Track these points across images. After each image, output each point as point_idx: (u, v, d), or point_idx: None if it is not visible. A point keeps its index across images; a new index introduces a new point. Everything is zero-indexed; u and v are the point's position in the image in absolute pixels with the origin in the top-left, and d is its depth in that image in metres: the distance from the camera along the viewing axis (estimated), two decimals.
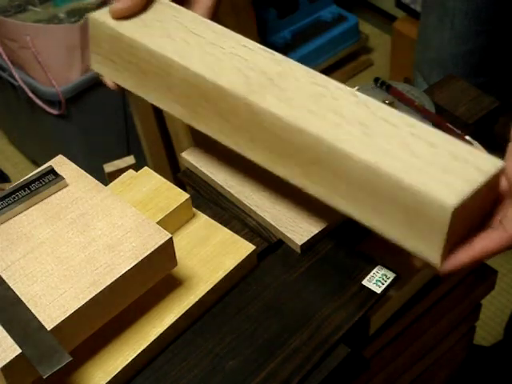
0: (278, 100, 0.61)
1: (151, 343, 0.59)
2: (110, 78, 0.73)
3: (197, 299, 0.62)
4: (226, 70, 0.64)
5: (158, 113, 1.23)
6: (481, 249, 0.56)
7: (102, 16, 0.70)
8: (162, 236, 0.58)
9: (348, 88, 0.63)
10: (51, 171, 0.63)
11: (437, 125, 0.74)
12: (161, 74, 0.67)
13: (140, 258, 0.57)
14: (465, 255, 0.56)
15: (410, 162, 0.56)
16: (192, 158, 0.76)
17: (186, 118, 0.68)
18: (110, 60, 0.71)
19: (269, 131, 0.61)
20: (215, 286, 0.63)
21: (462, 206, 0.53)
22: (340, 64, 2.14)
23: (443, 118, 0.75)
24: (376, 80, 0.77)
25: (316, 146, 0.58)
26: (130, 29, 0.69)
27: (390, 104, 0.74)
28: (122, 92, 0.74)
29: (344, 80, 2.14)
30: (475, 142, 0.74)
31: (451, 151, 0.57)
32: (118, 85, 0.73)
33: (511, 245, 0.56)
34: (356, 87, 0.77)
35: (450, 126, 0.74)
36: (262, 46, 0.67)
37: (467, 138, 0.74)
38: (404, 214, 0.55)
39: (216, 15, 0.77)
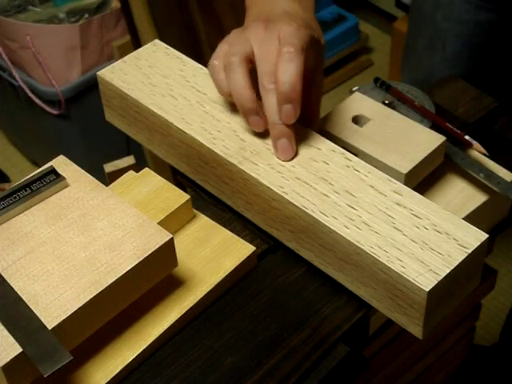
0: (270, 167, 0.63)
1: (151, 343, 0.59)
2: (123, 129, 0.75)
3: (197, 300, 0.62)
4: (223, 133, 0.66)
5: None
6: None
7: (109, 74, 0.72)
8: (163, 236, 0.58)
9: (341, 150, 0.64)
10: (52, 171, 0.63)
11: (437, 125, 0.74)
12: (163, 133, 0.70)
13: (141, 258, 0.57)
14: None
15: (391, 237, 0.57)
16: None
17: (189, 175, 0.71)
18: (120, 114, 0.74)
19: (261, 198, 0.64)
20: (215, 286, 0.63)
21: (439, 285, 0.55)
22: (340, 64, 2.14)
23: (443, 118, 0.75)
24: (376, 80, 0.77)
25: (303, 217, 0.61)
26: (134, 88, 0.71)
27: (390, 104, 0.74)
28: None
29: (344, 80, 2.15)
30: (475, 142, 0.74)
31: (434, 223, 0.58)
32: None
33: None
34: (356, 87, 0.77)
35: (450, 126, 0.74)
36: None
37: (467, 137, 0.74)
38: (385, 289, 0.58)
39: None
